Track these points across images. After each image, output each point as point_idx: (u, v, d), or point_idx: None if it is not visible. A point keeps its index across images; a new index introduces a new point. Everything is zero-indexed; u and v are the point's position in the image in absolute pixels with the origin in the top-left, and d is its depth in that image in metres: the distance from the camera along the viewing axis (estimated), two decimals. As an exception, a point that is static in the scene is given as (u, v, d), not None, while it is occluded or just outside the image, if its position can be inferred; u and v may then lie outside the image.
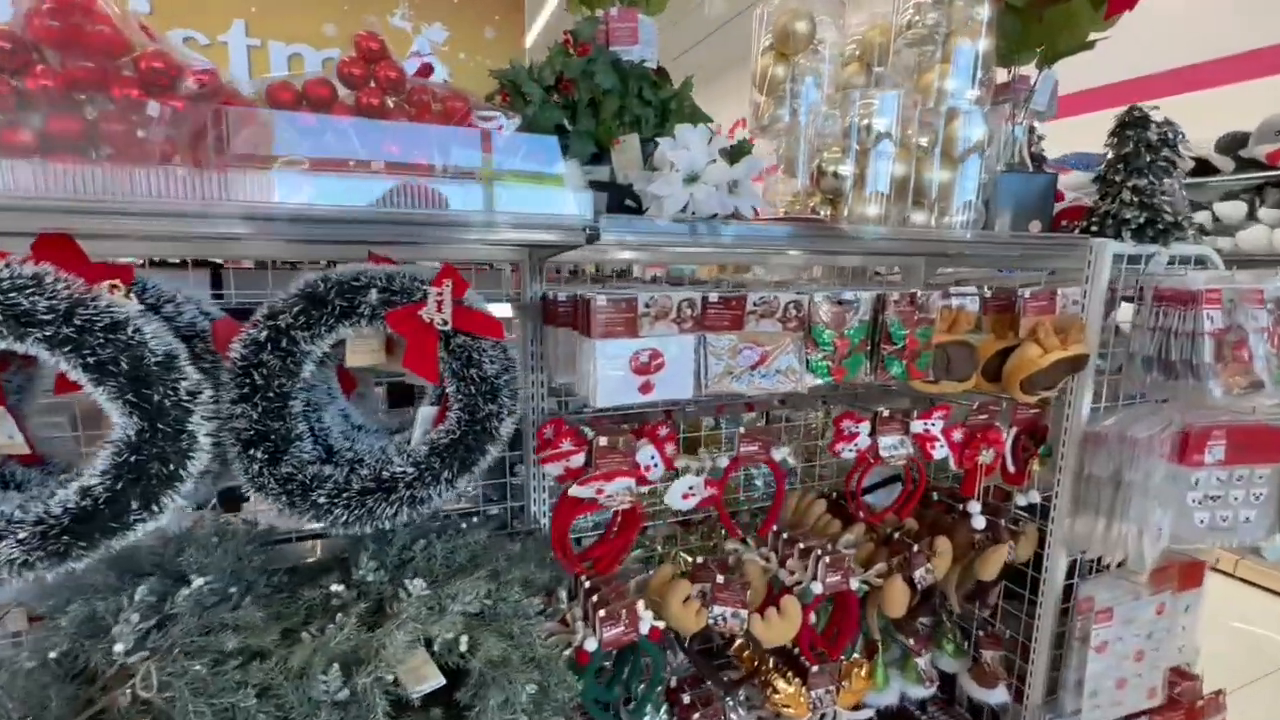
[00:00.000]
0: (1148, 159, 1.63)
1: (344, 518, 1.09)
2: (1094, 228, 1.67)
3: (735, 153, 1.17)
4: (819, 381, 1.42)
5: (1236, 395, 1.53)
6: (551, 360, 1.46)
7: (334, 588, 1.19)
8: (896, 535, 1.72)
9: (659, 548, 1.99)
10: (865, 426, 1.56)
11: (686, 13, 6.48)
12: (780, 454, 1.52)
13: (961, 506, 1.80)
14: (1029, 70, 1.75)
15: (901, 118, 1.48)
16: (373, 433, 1.30)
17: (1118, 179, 1.65)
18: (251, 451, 1.01)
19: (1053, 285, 1.72)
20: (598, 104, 1.28)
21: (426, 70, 1.21)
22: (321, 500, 1.07)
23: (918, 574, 1.65)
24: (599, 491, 1.20)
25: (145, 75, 0.96)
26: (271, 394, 1.01)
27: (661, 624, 1.39)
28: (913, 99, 1.50)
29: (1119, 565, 1.68)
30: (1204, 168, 4.03)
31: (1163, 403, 1.75)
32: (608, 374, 1.20)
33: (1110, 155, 1.68)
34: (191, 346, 1.05)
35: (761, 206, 1.25)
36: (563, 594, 1.41)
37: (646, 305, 1.22)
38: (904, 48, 1.61)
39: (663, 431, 1.37)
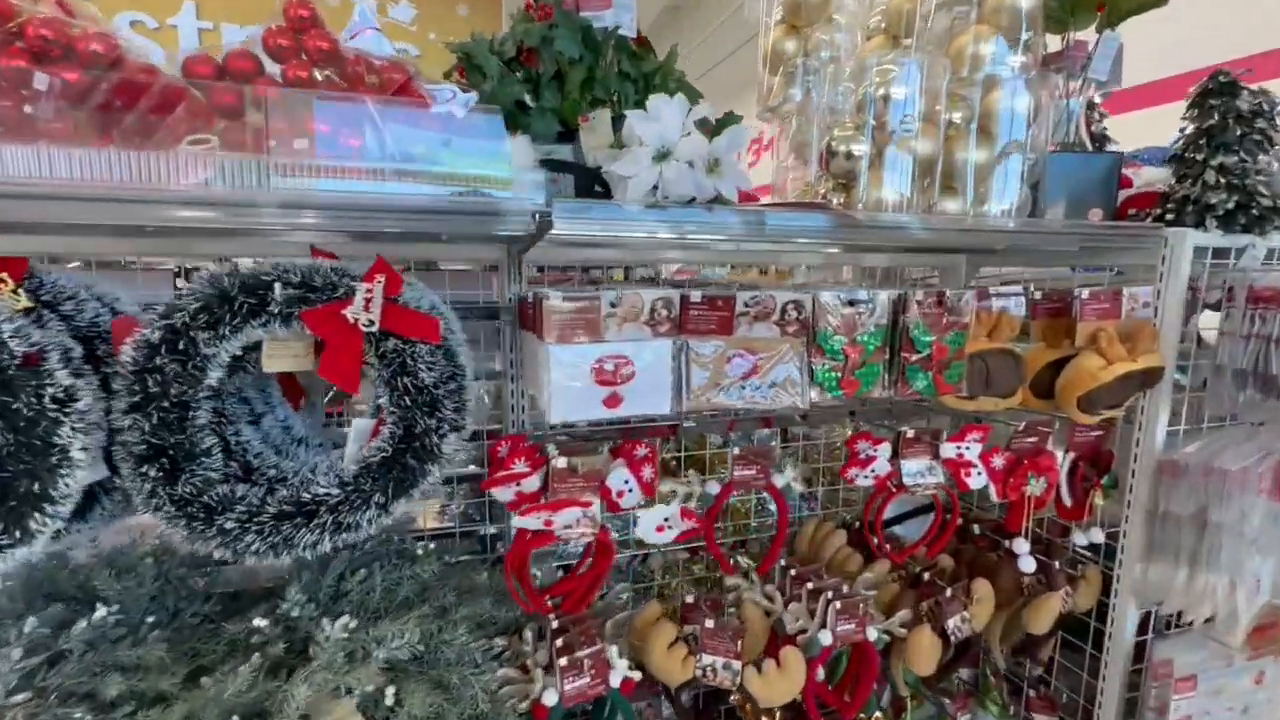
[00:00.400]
0: (1238, 132, 1.35)
1: (256, 546, 0.95)
2: (1169, 215, 1.40)
3: (717, 125, 0.99)
4: (827, 396, 1.21)
5: (1360, 419, 1.24)
6: (528, 369, 1.31)
7: (257, 622, 1.06)
8: (927, 576, 1.48)
9: (658, 577, 1.80)
10: (885, 449, 1.33)
11: (721, 24, 6.28)
12: (783, 479, 1.31)
13: (1007, 544, 1.54)
14: (1087, 36, 1.50)
15: (929, 89, 1.26)
16: (315, 447, 1.17)
17: (1199, 157, 1.38)
18: (144, 468, 0.89)
19: (1117, 285, 1.45)
20: (565, 77, 1.12)
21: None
22: (230, 525, 0.94)
23: (951, 624, 1.40)
24: (547, 523, 1.03)
25: (33, 44, 0.86)
26: (167, 403, 0.89)
27: (637, 675, 1.20)
28: (943, 67, 1.28)
29: (1205, 622, 1.39)
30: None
31: (1259, 426, 1.45)
32: (565, 384, 1.03)
33: (1189, 130, 1.41)
34: (93, 348, 0.94)
35: (750, 188, 1.06)
36: (529, 634, 1.24)
37: (612, 305, 1.05)
38: (935, 10, 1.39)
39: (640, 451, 1.19)
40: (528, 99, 1.12)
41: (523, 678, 1.15)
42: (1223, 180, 1.35)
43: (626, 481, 1.16)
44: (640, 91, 1.21)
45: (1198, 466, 1.32)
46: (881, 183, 1.25)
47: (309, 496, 0.97)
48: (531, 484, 1.06)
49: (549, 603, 1.20)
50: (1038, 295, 1.46)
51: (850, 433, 2.13)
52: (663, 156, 0.98)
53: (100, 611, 0.98)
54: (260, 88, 0.96)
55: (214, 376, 0.92)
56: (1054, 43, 1.53)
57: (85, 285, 0.98)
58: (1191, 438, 1.44)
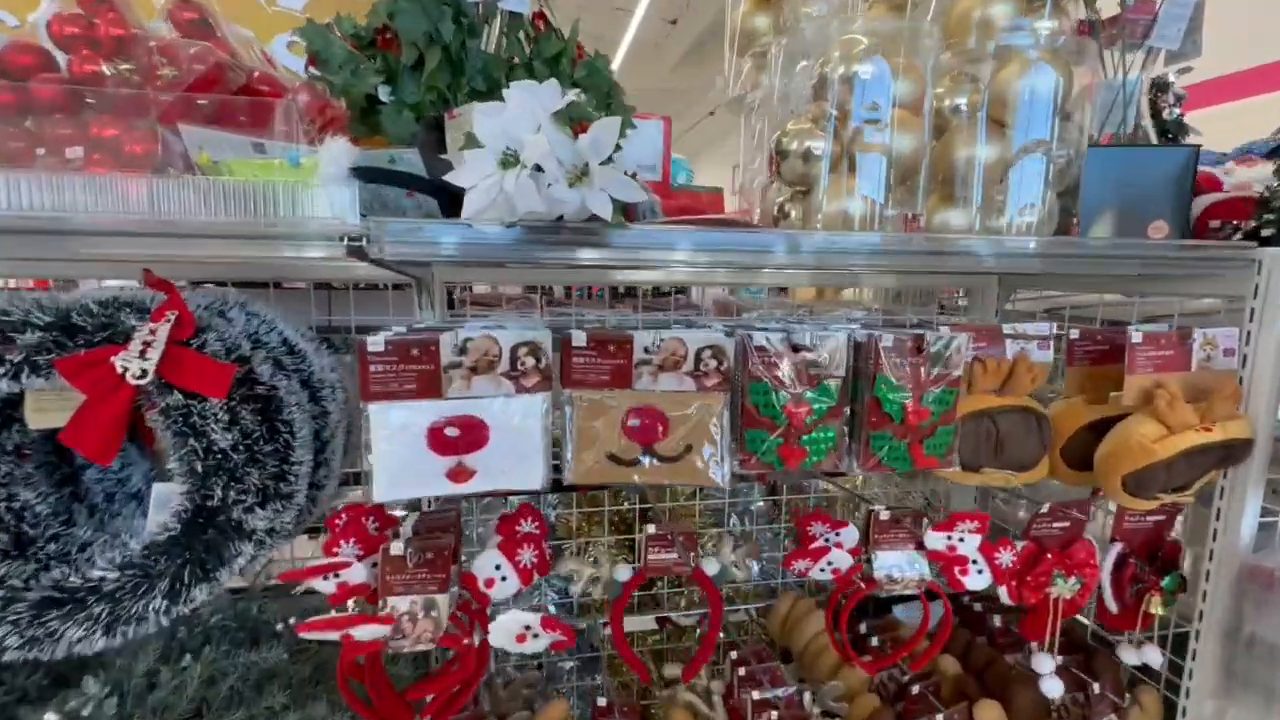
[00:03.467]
0: (1374, 114, 0.97)
1: (11, 640, 0.78)
2: (1267, 230, 1.03)
3: (573, 111, 0.74)
4: (763, 469, 0.93)
5: None
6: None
7: (47, 716, 0.90)
8: (916, 689, 1.16)
9: (606, 648, 1.55)
10: (850, 535, 1.03)
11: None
12: (716, 565, 1.04)
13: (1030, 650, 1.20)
14: (1154, -9, 1.14)
15: (910, 67, 0.96)
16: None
17: (1315, 149, 1.00)
18: None
19: (1186, 324, 1.09)
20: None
21: (183, 22, 0.91)
22: (-22, 614, 0.78)
23: (943, 759, 1.08)
24: (344, 637, 0.81)
25: None
26: (-112, 468, 0.73)
27: (511, 806, 0.96)
28: (932, 36, 0.98)
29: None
30: None
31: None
32: (389, 451, 0.81)
33: (1301, 113, 1.03)
34: None
35: (641, 198, 0.80)
36: (393, 738, 1.03)
37: (459, 353, 0.82)
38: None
39: (524, 527, 0.95)
40: (383, 92, 0.92)
41: (364, 803, 0.94)
42: (1349, 181, 0.97)
43: (498, 567, 0.92)
44: (542, 78, 0.97)
45: (1300, 581, 0.95)
46: (843, 190, 0.96)
47: (79, 582, 0.80)
48: (357, 574, 0.85)
49: (408, 707, 0.97)
50: (1074, 333, 1.12)
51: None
52: (510, 162, 0.75)
53: None
54: (38, 87, 0.80)
55: (-45, 435, 0.76)
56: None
57: None
58: (1297, 533, 1.05)
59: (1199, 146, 1.06)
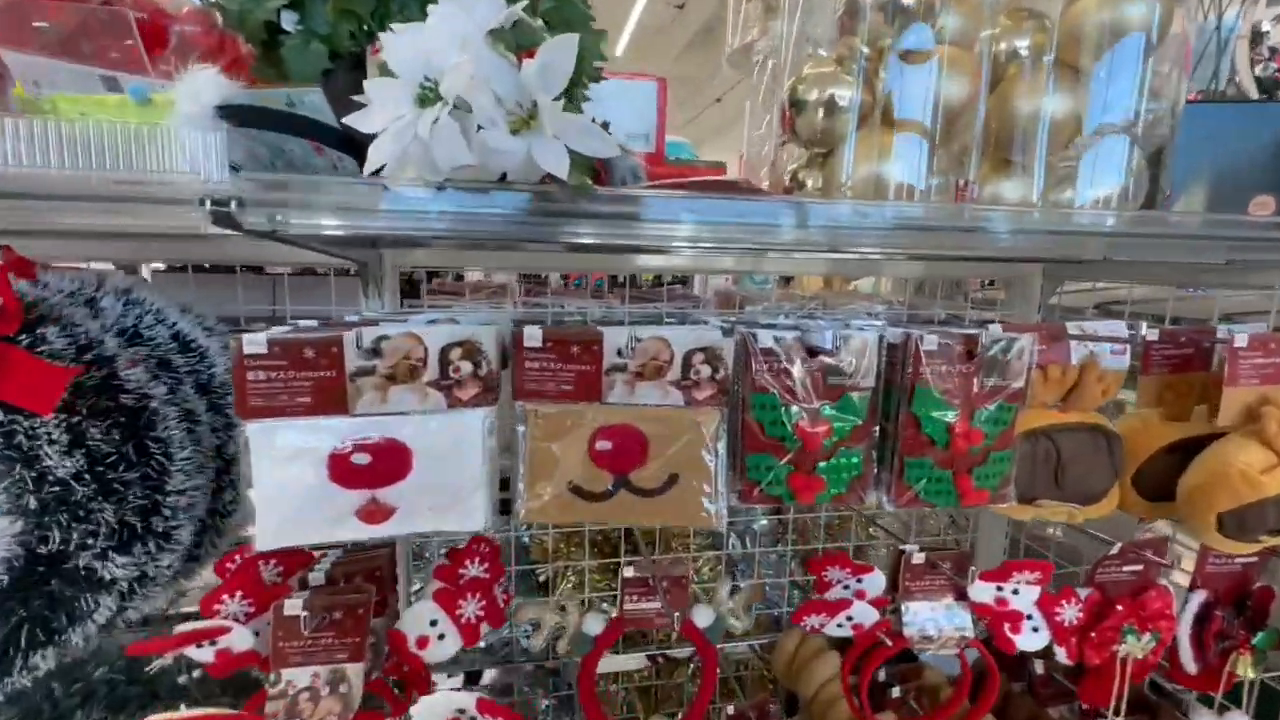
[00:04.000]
0: None
1: None
2: (1404, 208, 0.82)
3: (520, 34, 0.55)
4: (769, 502, 0.74)
5: None
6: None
7: None
8: (949, 757, 0.97)
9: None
10: (875, 582, 0.83)
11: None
12: (709, 615, 0.85)
13: (1084, 709, 1.01)
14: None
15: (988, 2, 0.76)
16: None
17: None
18: None
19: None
20: (344, -17, 0.71)
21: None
22: None
23: None
24: None
25: None
26: None
27: None
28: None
29: None
30: None
31: None
32: (277, 485, 0.61)
33: None
34: None
35: (611, 152, 0.60)
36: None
37: (370, 355, 0.62)
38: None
39: (471, 570, 0.77)
40: (288, 20, 0.72)
41: None
42: None
43: (435, 623, 0.74)
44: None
45: None
46: (877, 151, 0.75)
47: None
48: (242, 640, 0.66)
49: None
50: (1151, 334, 0.91)
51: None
52: (429, 98, 0.55)
53: None
54: None
55: None
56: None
57: None
58: None
59: (1317, 102, 0.85)
